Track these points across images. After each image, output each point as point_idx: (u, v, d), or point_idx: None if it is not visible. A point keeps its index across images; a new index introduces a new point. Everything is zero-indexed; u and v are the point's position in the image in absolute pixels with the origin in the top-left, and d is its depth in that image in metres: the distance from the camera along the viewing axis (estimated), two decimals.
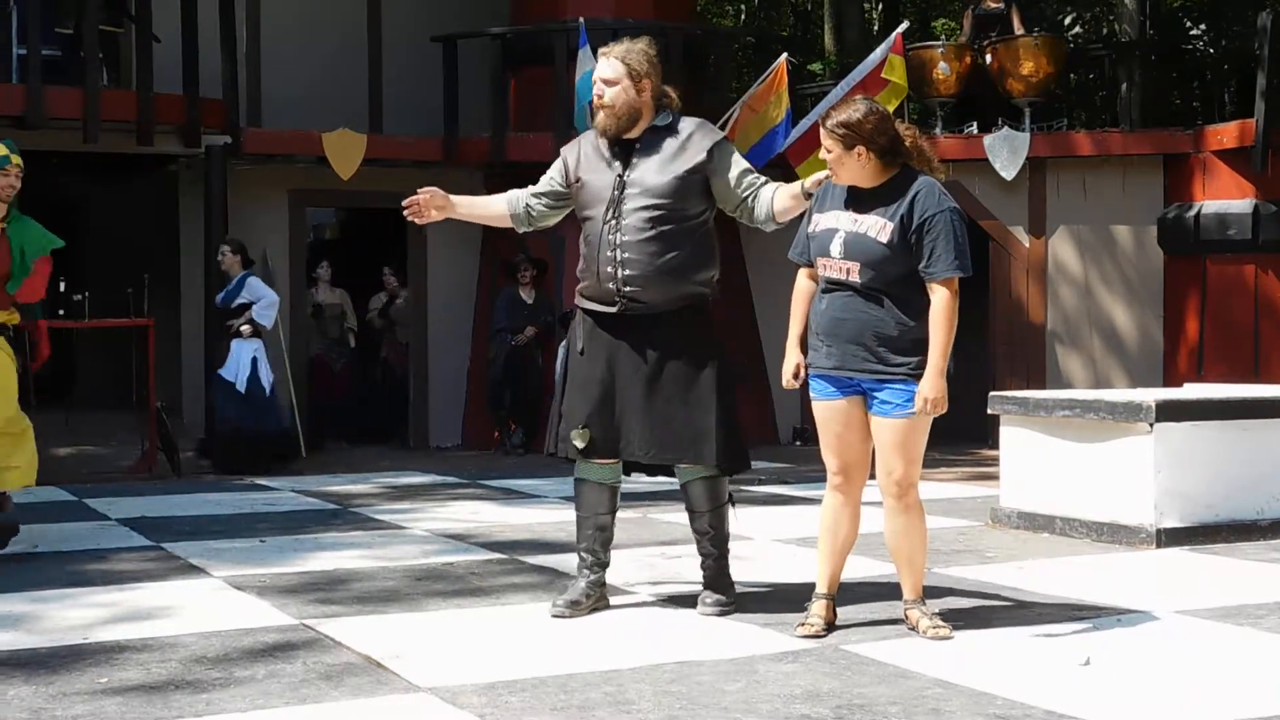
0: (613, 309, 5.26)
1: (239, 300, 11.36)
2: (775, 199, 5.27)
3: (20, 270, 6.87)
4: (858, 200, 4.93)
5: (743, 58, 18.39)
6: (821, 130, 4.93)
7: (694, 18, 15.56)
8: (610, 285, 5.24)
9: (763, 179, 5.37)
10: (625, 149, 5.31)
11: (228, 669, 4.52)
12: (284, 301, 13.00)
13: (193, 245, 12.61)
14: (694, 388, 5.27)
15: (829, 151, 4.90)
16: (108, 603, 5.65)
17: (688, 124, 5.34)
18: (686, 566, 6.42)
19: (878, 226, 4.86)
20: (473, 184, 13.01)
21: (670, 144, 5.30)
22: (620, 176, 5.27)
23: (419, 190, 5.47)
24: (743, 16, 23.72)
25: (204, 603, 5.65)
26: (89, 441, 11.52)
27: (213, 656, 4.70)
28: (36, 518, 8.24)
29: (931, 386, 4.79)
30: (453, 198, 5.56)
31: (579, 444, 5.25)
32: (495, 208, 5.69)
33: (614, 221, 5.23)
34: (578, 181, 5.39)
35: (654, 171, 5.25)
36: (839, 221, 4.93)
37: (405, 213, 5.52)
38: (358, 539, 7.43)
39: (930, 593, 5.31)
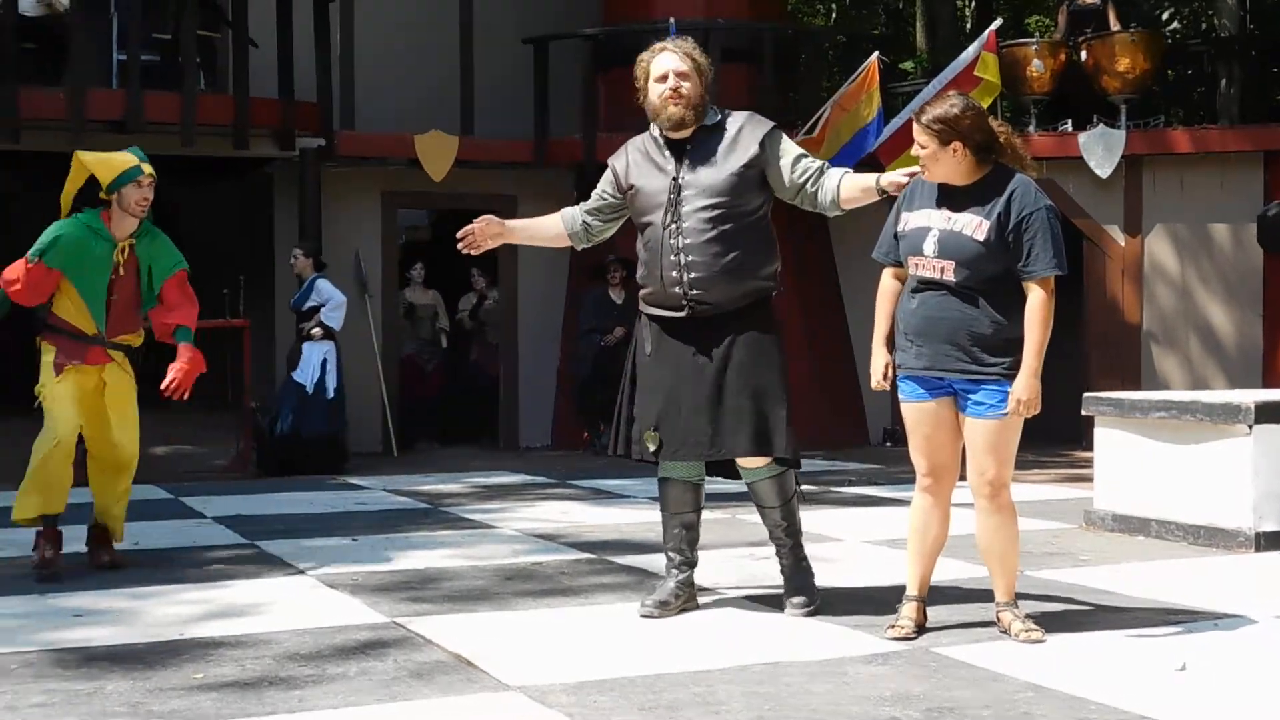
0: (680, 313, 5.20)
1: (310, 303, 11.49)
2: (843, 186, 5.19)
3: (149, 292, 6.43)
4: (950, 198, 4.88)
5: (834, 56, 18.31)
6: (916, 126, 4.86)
7: (785, 17, 15.54)
8: (676, 289, 5.17)
9: (819, 163, 5.29)
10: (677, 150, 5.24)
11: (320, 666, 4.56)
12: (376, 302, 13.17)
13: (287, 247, 12.74)
14: (762, 381, 5.19)
15: (923, 148, 4.84)
16: (203, 599, 5.73)
17: (736, 118, 5.28)
18: (775, 567, 6.40)
19: (973, 224, 4.80)
20: (563, 185, 13.08)
21: (722, 141, 5.22)
22: (675, 179, 5.19)
23: (474, 220, 5.46)
24: (834, 15, 23.62)
25: (297, 600, 5.71)
26: (185, 441, 11.69)
27: (305, 653, 4.75)
28: (134, 516, 8.38)
29: (1025, 387, 4.74)
30: (508, 223, 5.55)
31: (651, 446, 5.22)
32: (551, 229, 5.64)
33: (674, 225, 5.15)
34: (631, 189, 5.31)
35: (710, 170, 5.17)
36: (931, 220, 4.88)
37: (460, 245, 5.49)
38: (448, 538, 7.48)
39: (1023, 595, 5.25)
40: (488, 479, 10.65)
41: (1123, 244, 12.93)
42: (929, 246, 4.85)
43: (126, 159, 6.28)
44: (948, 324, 4.82)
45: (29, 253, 6.27)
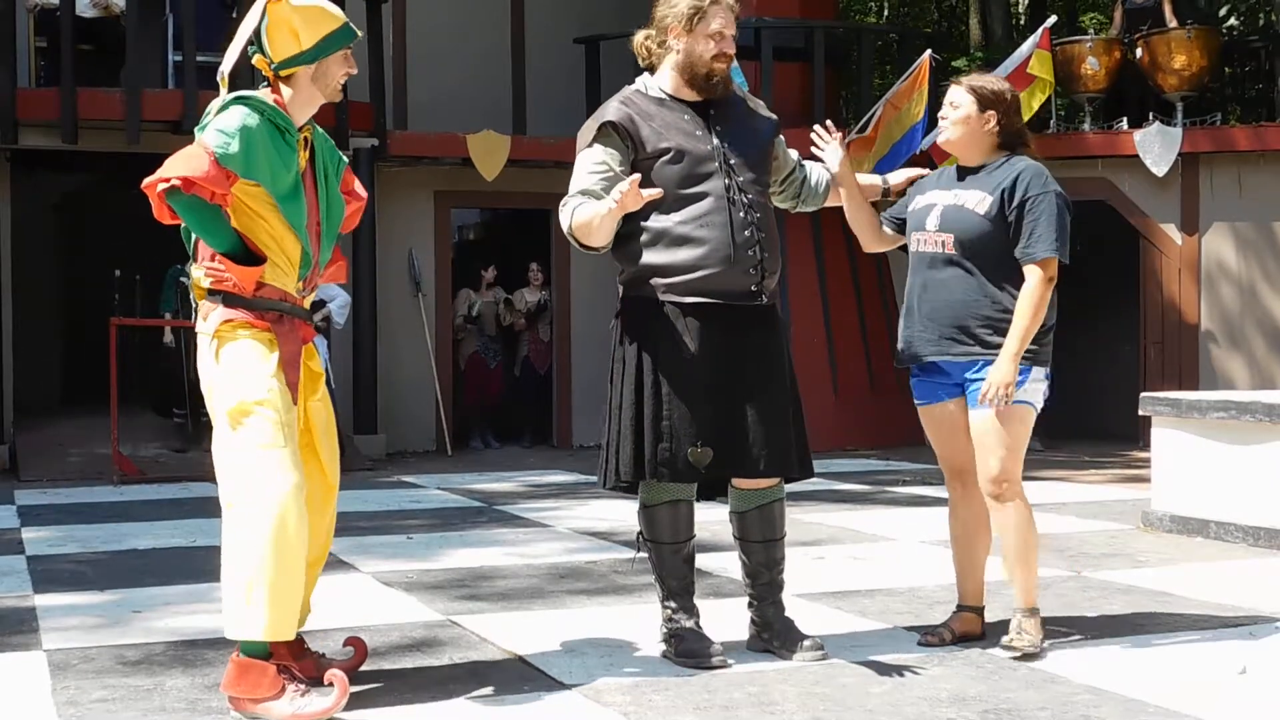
0: (753, 301, 4.50)
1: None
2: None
3: (335, 210, 4.43)
4: (962, 179, 4.77)
5: (886, 54, 18.23)
6: (955, 87, 4.76)
7: (837, 15, 15.48)
8: (751, 272, 4.47)
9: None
10: (702, 114, 4.54)
11: (376, 663, 4.58)
12: (429, 301, 13.22)
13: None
14: (788, 390, 4.61)
15: (955, 107, 4.73)
16: None
17: (737, 90, 4.72)
18: (832, 567, 6.39)
19: (976, 199, 4.67)
20: None
21: (743, 110, 4.65)
22: (719, 146, 4.50)
23: (628, 182, 4.22)
24: (886, 12, 23.52)
25: (353, 598, 5.74)
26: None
27: None
28: (192, 513, 8.46)
29: (1001, 371, 4.48)
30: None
31: (703, 462, 4.43)
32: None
33: (741, 196, 4.47)
34: (666, 153, 4.44)
35: (744, 141, 4.56)
36: (939, 198, 4.76)
37: (617, 201, 4.23)
38: (502, 536, 7.50)
39: (1080, 596, 5.20)
40: (542, 477, 10.68)
41: (1180, 243, 12.80)
42: (931, 221, 4.71)
43: (333, 14, 4.18)
44: (951, 306, 4.64)
45: (211, 143, 4.00)
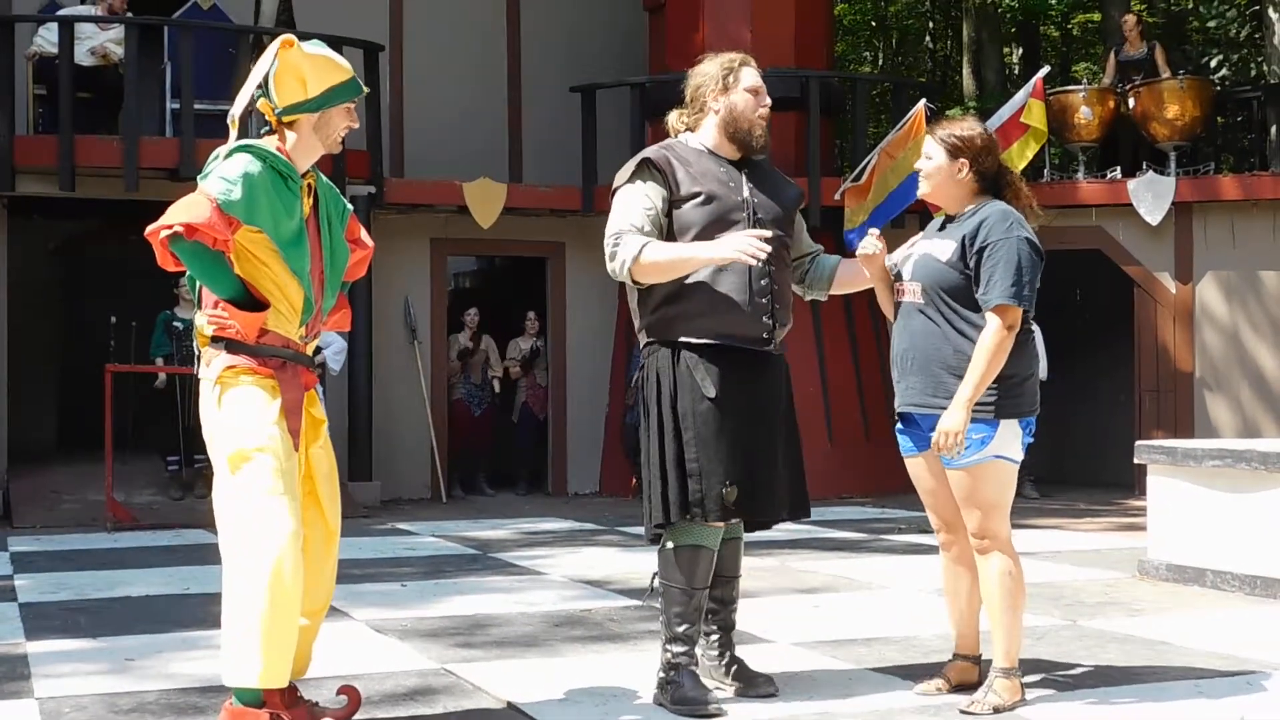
0: (766, 346, 4.66)
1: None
2: (842, 264, 4.93)
3: (339, 257, 4.40)
4: (943, 229, 4.74)
5: (880, 103, 18.34)
6: (928, 139, 4.75)
7: (832, 65, 15.57)
8: (766, 319, 4.62)
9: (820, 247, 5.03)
10: (737, 169, 4.74)
11: (369, 711, 4.56)
12: (425, 348, 13.23)
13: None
14: (795, 435, 4.81)
15: (929, 158, 4.70)
16: None
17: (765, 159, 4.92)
18: (828, 615, 6.38)
19: (942, 247, 4.63)
20: None
21: (773, 173, 4.88)
22: (747, 199, 4.68)
23: (754, 234, 4.46)
24: (880, 62, 23.67)
25: (346, 646, 5.71)
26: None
27: None
28: (186, 560, 8.44)
29: (950, 418, 4.40)
30: None
31: (730, 500, 4.53)
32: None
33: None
34: (697, 197, 4.62)
35: (771, 199, 4.74)
36: (920, 247, 4.74)
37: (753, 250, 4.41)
38: (497, 584, 7.48)
39: (1076, 645, 5.17)
40: (536, 525, 10.65)
41: (1174, 291, 12.84)
42: (907, 270, 4.70)
43: (342, 67, 4.27)
44: (921, 354, 4.59)
45: (213, 190, 4.04)
